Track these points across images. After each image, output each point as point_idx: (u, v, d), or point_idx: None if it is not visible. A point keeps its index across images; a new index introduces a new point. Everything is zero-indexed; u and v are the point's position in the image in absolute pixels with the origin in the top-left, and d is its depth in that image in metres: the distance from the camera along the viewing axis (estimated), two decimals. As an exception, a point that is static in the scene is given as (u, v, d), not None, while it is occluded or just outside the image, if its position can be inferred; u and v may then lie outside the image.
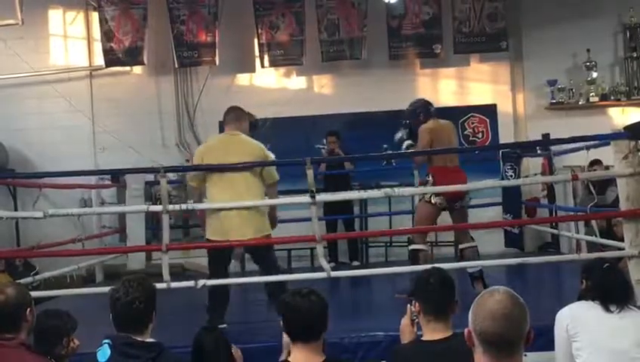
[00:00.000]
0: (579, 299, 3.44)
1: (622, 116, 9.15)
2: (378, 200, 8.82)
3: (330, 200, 7.52)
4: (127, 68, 9.61)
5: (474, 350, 2.00)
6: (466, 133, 9.39)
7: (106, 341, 2.83)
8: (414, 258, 5.80)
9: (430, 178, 5.81)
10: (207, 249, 5.42)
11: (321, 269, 5.29)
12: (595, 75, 9.20)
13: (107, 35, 9.27)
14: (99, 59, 9.49)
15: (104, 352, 2.80)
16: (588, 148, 5.69)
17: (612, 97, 9.26)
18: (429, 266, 3.77)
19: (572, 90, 9.29)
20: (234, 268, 5.58)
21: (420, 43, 9.25)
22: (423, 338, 2.99)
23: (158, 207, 5.72)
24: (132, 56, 9.29)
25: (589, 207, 6.13)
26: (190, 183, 5.48)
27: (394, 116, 7.41)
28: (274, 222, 5.38)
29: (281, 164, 5.87)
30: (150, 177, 8.08)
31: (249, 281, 6.04)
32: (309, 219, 5.43)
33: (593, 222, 6.80)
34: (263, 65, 9.35)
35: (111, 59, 9.32)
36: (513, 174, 8.23)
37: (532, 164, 9.04)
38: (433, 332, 2.95)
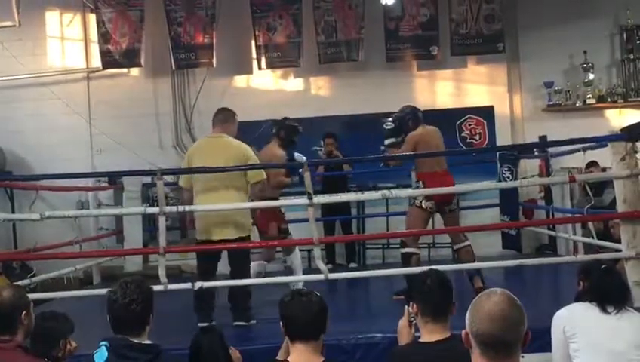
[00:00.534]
0: (576, 301, 3.44)
1: (619, 118, 9.13)
2: (375, 202, 8.82)
3: (328, 202, 7.54)
4: (125, 70, 9.57)
5: (471, 351, 2.01)
6: (463, 134, 9.36)
7: (104, 343, 2.82)
8: (406, 261, 5.90)
9: (420, 184, 6.02)
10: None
11: (318, 271, 5.31)
12: (592, 76, 9.18)
13: (104, 37, 9.23)
14: (96, 61, 9.45)
15: (101, 354, 2.79)
16: (585, 149, 5.72)
17: (609, 99, 9.25)
18: (426, 268, 3.78)
19: (569, 91, 9.28)
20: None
21: (417, 45, 9.22)
22: (421, 340, 2.99)
23: (154, 209, 5.74)
24: (129, 58, 9.25)
25: (586, 208, 6.15)
26: (180, 184, 5.60)
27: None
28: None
29: (280, 166, 5.91)
30: (147, 179, 8.09)
31: (250, 283, 6.02)
32: (306, 220, 5.44)
33: (590, 224, 6.82)
34: (260, 67, 9.32)
35: (108, 61, 9.28)
36: (510, 176, 8.24)
37: (529, 165, 9.05)
38: (431, 334, 2.95)
